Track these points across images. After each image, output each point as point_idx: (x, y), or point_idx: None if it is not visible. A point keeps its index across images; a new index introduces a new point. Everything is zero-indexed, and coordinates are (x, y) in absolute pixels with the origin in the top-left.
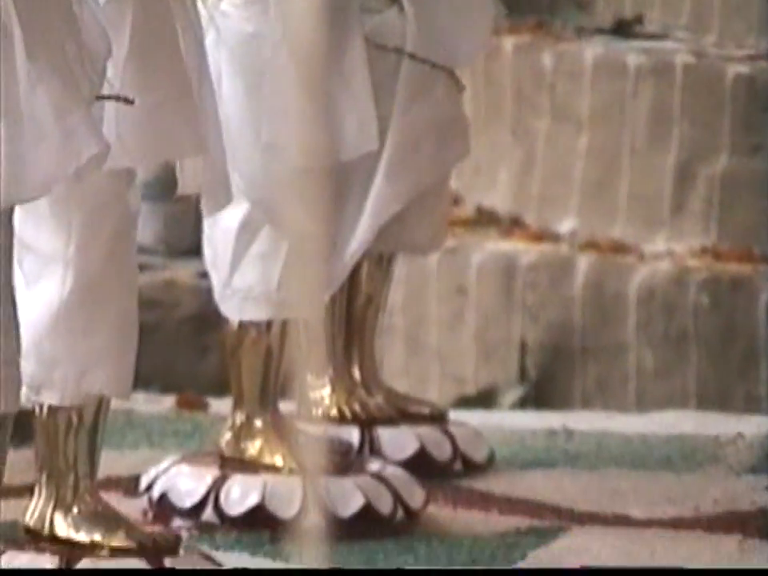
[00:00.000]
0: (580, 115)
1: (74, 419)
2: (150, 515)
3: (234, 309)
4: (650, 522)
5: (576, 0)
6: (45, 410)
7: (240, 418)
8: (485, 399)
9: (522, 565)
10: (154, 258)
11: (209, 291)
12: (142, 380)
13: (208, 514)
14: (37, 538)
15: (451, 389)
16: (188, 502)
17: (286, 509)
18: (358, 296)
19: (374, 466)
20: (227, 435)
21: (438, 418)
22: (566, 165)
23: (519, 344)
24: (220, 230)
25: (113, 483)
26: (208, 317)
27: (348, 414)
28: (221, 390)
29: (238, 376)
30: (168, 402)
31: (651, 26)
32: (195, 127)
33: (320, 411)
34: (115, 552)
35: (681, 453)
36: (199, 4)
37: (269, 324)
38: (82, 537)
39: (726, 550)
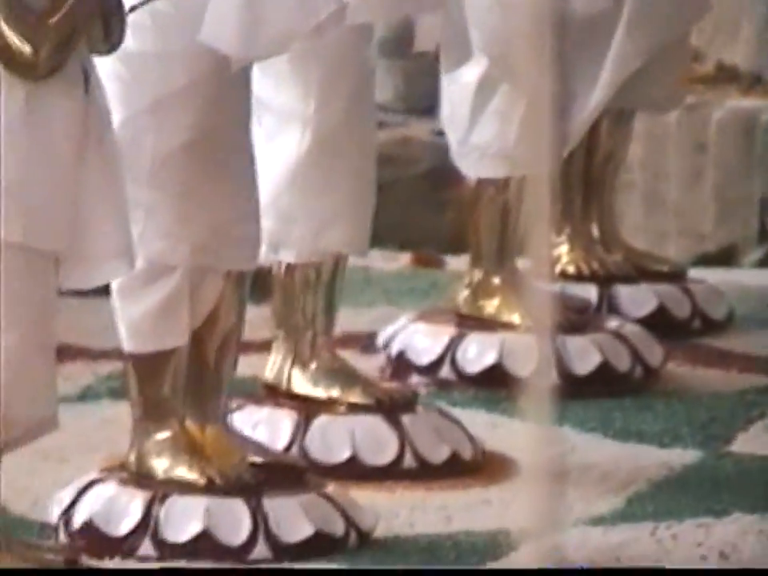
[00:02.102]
0: None
1: (312, 276)
2: (388, 372)
3: (471, 166)
4: None
5: None
6: (283, 267)
7: (477, 275)
8: (724, 257)
9: (760, 423)
10: (391, 115)
11: (446, 148)
12: (379, 237)
13: (445, 371)
14: (275, 393)
15: (690, 246)
16: (425, 360)
17: (523, 367)
18: (597, 152)
19: (612, 323)
20: (464, 293)
21: (676, 276)
22: None
23: (759, 202)
24: (458, 87)
25: (350, 340)
26: (445, 174)
27: (586, 271)
28: (457, 248)
29: (475, 233)
30: (404, 259)
31: None
32: None
33: (558, 269)
34: (353, 407)
35: None
36: None
37: (506, 181)
38: (319, 393)
39: None
